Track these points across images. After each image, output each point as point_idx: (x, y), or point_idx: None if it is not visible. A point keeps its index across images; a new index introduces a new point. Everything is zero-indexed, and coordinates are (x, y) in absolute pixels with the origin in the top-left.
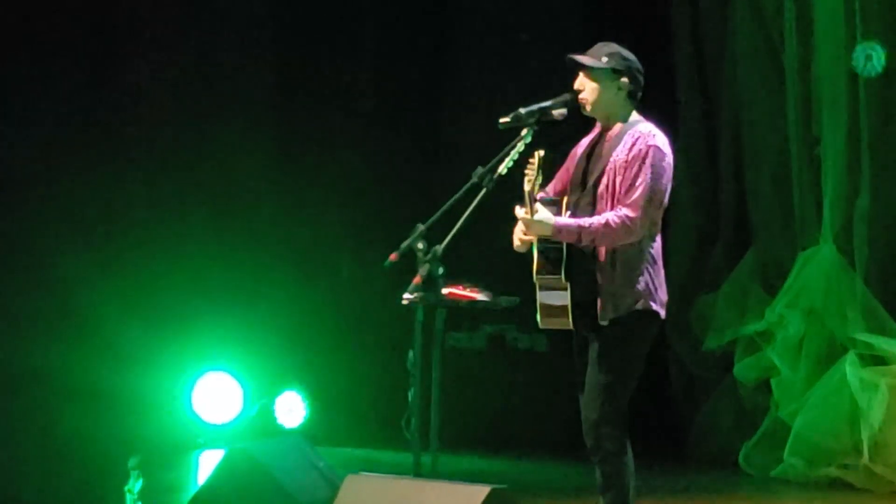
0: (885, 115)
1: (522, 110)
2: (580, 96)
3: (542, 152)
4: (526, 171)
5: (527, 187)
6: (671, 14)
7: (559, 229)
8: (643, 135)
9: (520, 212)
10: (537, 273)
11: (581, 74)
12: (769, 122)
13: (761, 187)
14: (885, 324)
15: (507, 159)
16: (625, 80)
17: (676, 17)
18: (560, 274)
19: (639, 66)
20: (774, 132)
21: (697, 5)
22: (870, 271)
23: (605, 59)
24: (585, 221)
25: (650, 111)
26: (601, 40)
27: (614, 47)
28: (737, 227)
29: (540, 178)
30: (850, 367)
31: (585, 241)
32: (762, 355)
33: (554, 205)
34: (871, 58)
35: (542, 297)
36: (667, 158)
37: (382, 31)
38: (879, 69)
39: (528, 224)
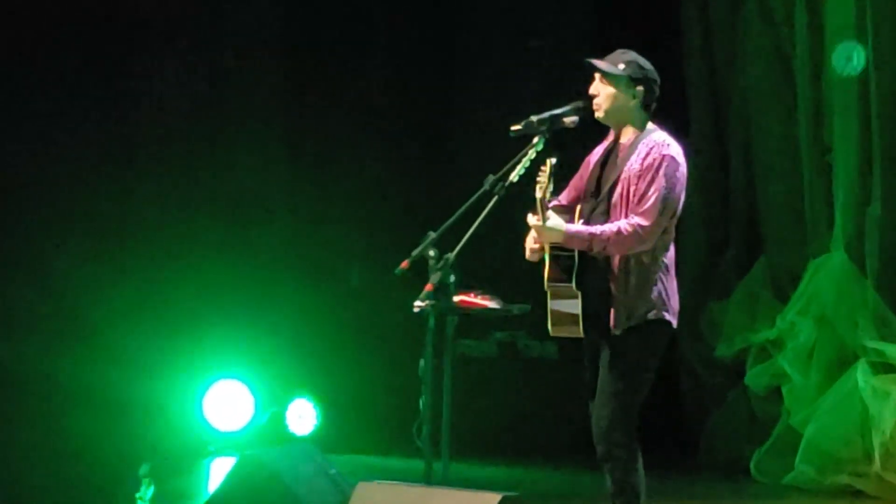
0: None
1: (534, 118)
2: (595, 101)
3: (553, 160)
4: (538, 179)
5: (538, 194)
6: (681, 21)
7: (570, 236)
8: (657, 144)
9: (532, 219)
10: (549, 281)
11: (597, 79)
12: (780, 130)
13: (772, 195)
14: None
15: (518, 167)
16: (640, 88)
17: (687, 25)
18: (572, 282)
19: (655, 76)
20: (785, 139)
21: (708, 12)
22: (881, 279)
23: (622, 66)
24: (597, 229)
25: (660, 119)
26: (612, 47)
27: (632, 55)
28: (748, 235)
29: (551, 185)
30: (861, 375)
31: (597, 249)
32: (773, 363)
33: (566, 213)
34: (851, 58)
35: (554, 305)
36: (681, 168)
37: (393, 39)
38: (860, 69)
39: (540, 231)
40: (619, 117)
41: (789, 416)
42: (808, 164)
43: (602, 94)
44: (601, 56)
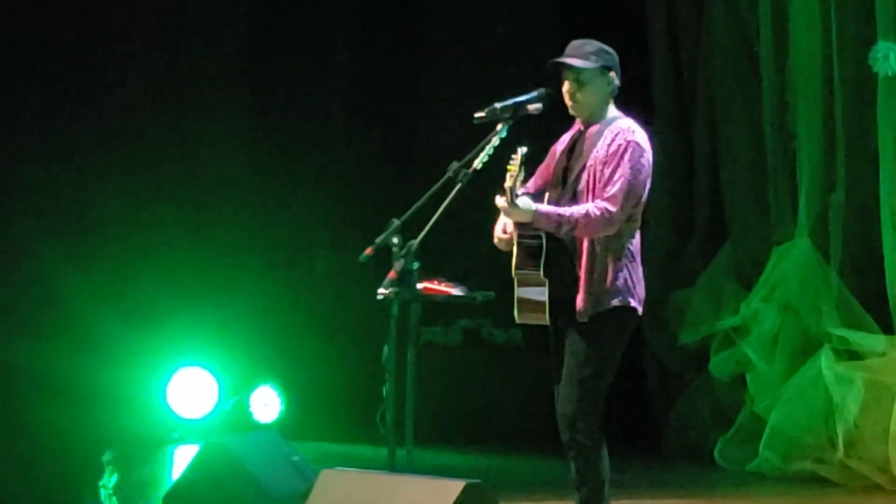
0: (859, 110)
1: (498, 105)
2: (572, 100)
3: (524, 149)
4: (508, 167)
5: (508, 183)
6: (646, 8)
7: (539, 216)
8: (623, 130)
9: (500, 201)
10: (516, 268)
11: (569, 78)
12: (744, 117)
13: (737, 182)
14: (859, 318)
15: (482, 154)
16: (612, 74)
17: (652, 12)
18: (539, 269)
19: (616, 55)
20: (750, 127)
21: (672, 0)
22: (845, 266)
23: (593, 59)
24: (566, 210)
25: (625, 107)
26: (577, 34)
27: (595, 43)
28: (712, 222)
29: (522, 174)
30: (825, 362)
31: (564, 230)
32: (737, 350)
33: (534, 201)
34: (888, 58)
35: (521, 292)
36: (646, 154)
37: (357, 25)
38: None
39: (509, 211)
40: (595, 108)
41: (753, 403)
42: (772, 151)
43: (580, 92)
44: (562, 48)
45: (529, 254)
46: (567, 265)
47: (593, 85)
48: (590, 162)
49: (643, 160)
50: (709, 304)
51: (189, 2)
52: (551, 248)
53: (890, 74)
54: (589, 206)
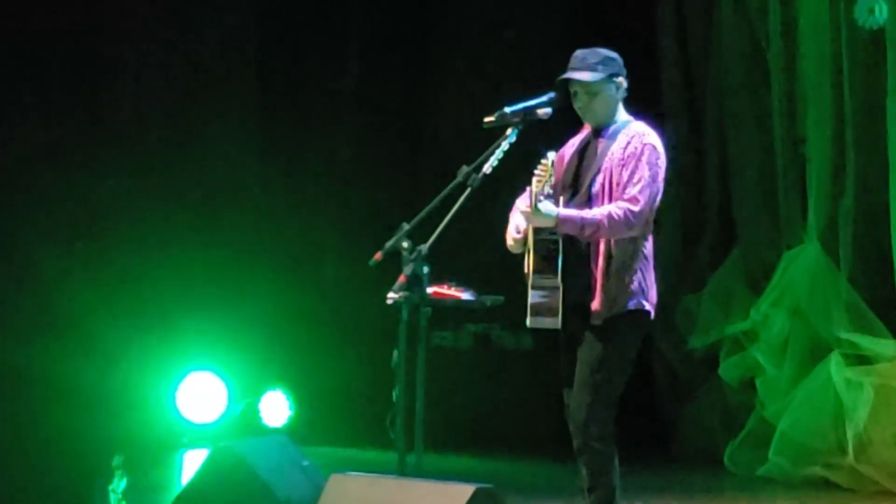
0: (869, 114)
1: (507, 109)
2: (585, 110)
3: (553, 153)
4: (536, 171)
5: (535, 187)
6: (656, 13)
7: (563, 220)
8: (637, 133)
9: (521, 205)
10: (532, 272)
11: (579, 91)
12: (754, 122)
13: (746, 186)
14: (869, 323)
15: (492, 158)
16: (620, 79)
17: (662, 17)
18: (556, 273)
19: (621, 58)
20: (759, 131)
21: (683, 5)
22: (855, 271)
23: (600, 68)
24: (587, 213)
25: (635, 112)
26: (586, 37)
27: (598, 52)
28: (722, 227)
29: (552, 179)
30: (834, 367)
31: (588, 233)
32: (747, 354)
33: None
34: (873, 11)
35: (534, 296)
36: (661, 157)
37: (367, 28)
38: (882, 22)
39: (530, 216)
40: (606, 113)
41: (763, 408)
42: (781, 156)
43: (592, 103)
44: (572, 51)
45: (545, 257)
46: (583, 268)
47: (603, 94)
48: (605, 165)
49: (659, 162)
50: (718, 308)
51: (199, 3)
52: (567, 252)
53: (875, 28)
54: (611, 208)
